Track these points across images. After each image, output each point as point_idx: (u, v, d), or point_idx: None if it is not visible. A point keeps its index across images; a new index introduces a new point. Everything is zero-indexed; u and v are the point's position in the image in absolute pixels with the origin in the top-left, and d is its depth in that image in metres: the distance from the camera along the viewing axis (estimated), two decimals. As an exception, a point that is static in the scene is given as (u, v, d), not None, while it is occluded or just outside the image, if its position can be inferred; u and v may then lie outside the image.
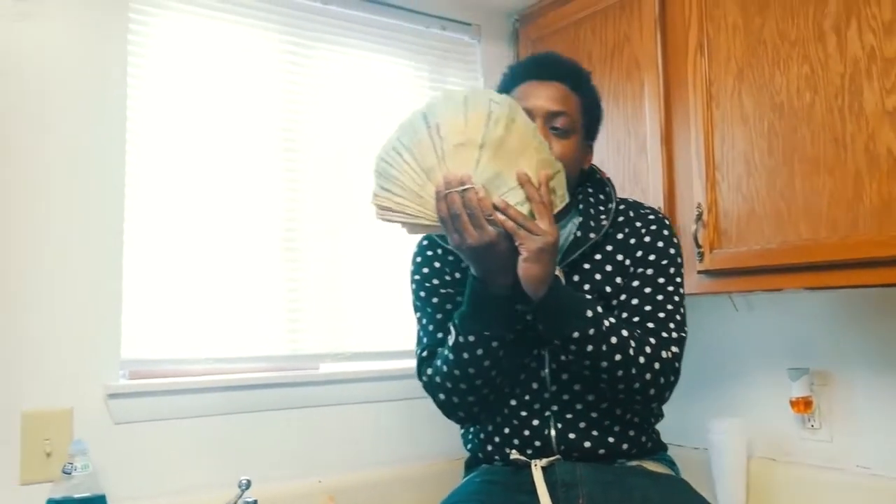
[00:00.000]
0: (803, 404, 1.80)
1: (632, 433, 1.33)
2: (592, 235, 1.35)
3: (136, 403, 1.65)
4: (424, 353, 1.38)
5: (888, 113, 1.38)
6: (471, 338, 1.23)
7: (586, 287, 1.33)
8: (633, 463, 1.33)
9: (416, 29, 2.11)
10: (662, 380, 1.27)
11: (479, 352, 1.24)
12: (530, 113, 1.28)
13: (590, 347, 1.20)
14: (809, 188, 1.51)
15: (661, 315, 1.31)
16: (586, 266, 1.34)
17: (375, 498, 1.86)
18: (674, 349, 1.29)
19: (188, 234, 1.75)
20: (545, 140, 1.25)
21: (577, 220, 1.38)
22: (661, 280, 1.34)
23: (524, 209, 1.19)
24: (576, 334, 1.20)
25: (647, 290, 1.32)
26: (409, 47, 2.10)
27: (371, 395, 1.93)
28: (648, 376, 1.24)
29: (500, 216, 1.16)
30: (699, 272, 1.69)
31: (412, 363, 1.93)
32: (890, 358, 1.69)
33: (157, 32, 1.75)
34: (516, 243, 1.16)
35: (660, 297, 1.32)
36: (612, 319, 1.24)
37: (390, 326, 2.00)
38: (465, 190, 1.14)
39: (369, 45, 2.04)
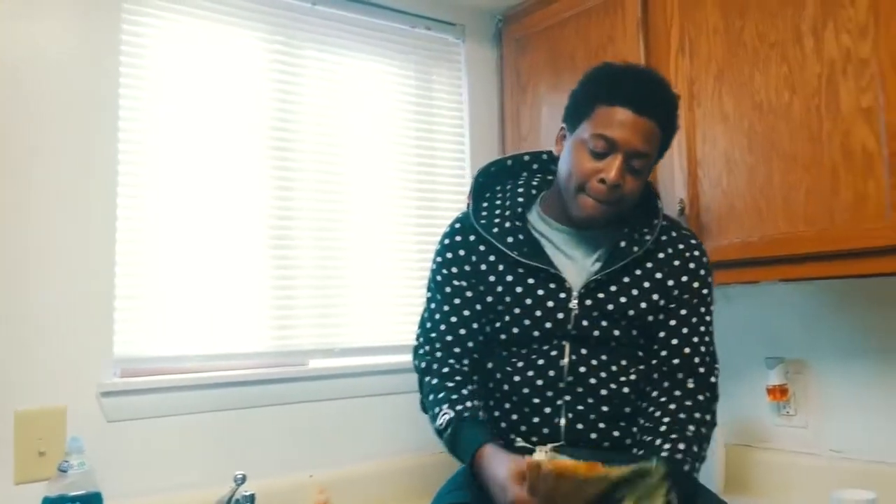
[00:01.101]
0: (779, 392, 1.87)
1: (635, 429, 1.37)
2: (636, 249, 1.37)
3: (128, 401, 1.65)
4: (420, 340, 1.43)
5: (862, 111, 1.45)
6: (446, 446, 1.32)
7: (622, 300, 1.36)
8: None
9: (402, 29, 2.13)
10: (711, 418, 1.35)
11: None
12: (613, 142, 1.29)
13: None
14: (787, 184, 1.58)
15: (703, 350, 1.38)
16: (626, 279, 1.37)
17: (366, 491, 1.89)
18: (713, 381, 1.38)
19: (179, 232, 1.76)
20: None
21: (624, 230, 1.40)
22: (703, 310, 1.40)
23: None
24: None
25: (694, 319, 1.38)
26: (396, 47, 2.13)
27: (360, 390, 1.96)
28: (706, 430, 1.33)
29: None
30: (682, 266, 1.75)
31: (400, 358, 1.99)
32: (860, 346, 1.76)
33: (149, 31, 1.75)
34: None
35: (702, 329, 1.39)
36: (692, 443, 1.27)
37: (378, 322, 2.03)
38: None
39: (357, 45, 2.06)
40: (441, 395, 1.34)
